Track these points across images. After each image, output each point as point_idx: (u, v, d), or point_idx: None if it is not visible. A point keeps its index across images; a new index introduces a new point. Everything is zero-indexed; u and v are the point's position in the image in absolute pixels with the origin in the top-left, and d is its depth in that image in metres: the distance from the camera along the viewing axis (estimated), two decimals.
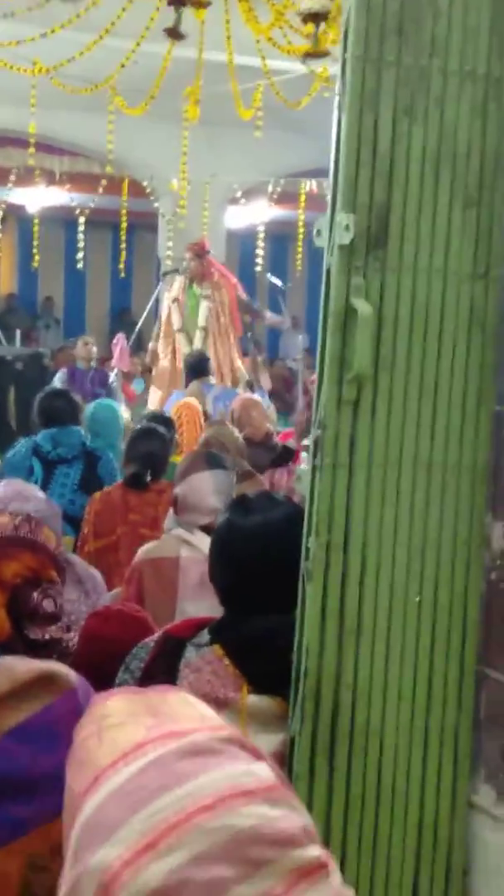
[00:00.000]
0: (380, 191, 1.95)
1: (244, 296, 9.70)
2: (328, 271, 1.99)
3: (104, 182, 12.18)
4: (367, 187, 1.95)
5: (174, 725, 0.94)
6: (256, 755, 0.93)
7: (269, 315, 9.65)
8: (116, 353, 10.04)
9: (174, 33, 6.12)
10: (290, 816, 0.86)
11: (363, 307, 1.92)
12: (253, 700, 2.09)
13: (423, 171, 1.96)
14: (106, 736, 0.95)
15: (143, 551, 3.49)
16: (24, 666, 1.37)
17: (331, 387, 1.98)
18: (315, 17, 5.40)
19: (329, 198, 2.00)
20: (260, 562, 2.19)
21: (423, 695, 2.07)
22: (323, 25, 5.54)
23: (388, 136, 1.94)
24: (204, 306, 9.44)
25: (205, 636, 2.17)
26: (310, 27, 5.98)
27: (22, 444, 5.09)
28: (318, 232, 2.01)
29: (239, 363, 9.62)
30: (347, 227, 1.91)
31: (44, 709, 1.30)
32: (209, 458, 3.55)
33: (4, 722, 1.30)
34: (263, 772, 0.90)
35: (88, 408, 5.85)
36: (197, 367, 8.15)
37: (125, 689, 1.05)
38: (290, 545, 2.16)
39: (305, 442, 7.15)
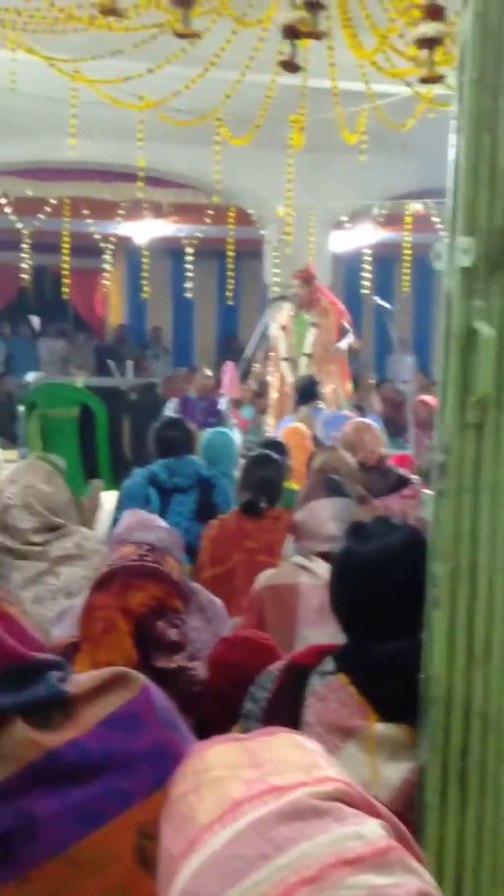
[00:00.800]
0: (499, 213, 1.93)
1: (347, 326, 9.67)
2: (448, 295, 1.97)
3: (211, 212, 12.34)
4: (486, 210, 1.93)
5: (276, 779, 0.88)
6: (370, 809, 0.87)
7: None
8: (226, 380, 10.13)
9: (290, 65, 6.15)
10: (405, 883, 0.79)
11: (486, 330, 1.90)
12: (380, 728, 2.07)
13: None
14: (204, 792, 0.91)
15: (262, 578, 3.49)
16: (99, 672, 1.51)
17: (453, 411, 1.96)
18: (429, 43, 5.37)
19: (448, 221, 1.99)
20: (380, 587, 2.18)
21: None
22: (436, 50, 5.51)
23: None
24: (311, 333, 9.46)
25: (329, 664, 2.16)
26: (414, 50, 5.96)
27: (138, 474, 5.15)
28: (438, 255, 2.00)
29: (342, 389, 9.60)
30: (467, 251, 1.90)
31: (127, 702, 1.44)
32: (329, 484, 3.54)
33: (96, 714, 1.43)
34: (374, 832, 0.83)
35: (204, 436, 5.90)
36: (307, 393, 8.17)
37: (225, 738, 1.02)
38: (410, 570, 2.14)
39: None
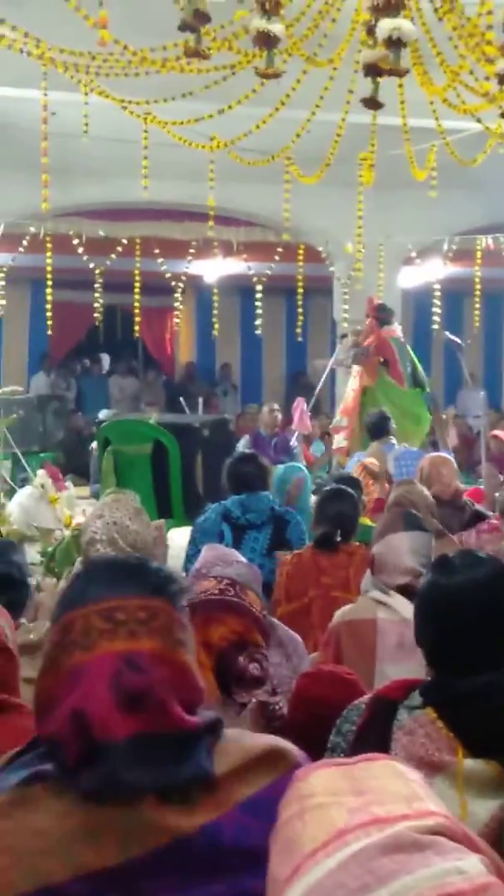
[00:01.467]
0: None
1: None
2: None
3: (280, 250, 12.43)
4: None
5: (379, 809, 0.89)
6: (470, 844, 0.87)
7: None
8: (296, 416, 10.14)
9: (372, 103, 6.18)
10: None
11: None
12: (469, 764, 2.04)
13: None
14: (308, 818, 0.92)
15: (339, 614, 3.47)
16: (254, 741, 1.43)
17: None
18: None
19: None
20: (467, 620, 2.16)
21: None
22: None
23: None
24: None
25: (416, 698, 2.14)
26: (486, 86, 5.96)
27: (212, 510, 5.15)
28: None
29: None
30: None
31: (273, 782, 1.35)
32: (407, 518, 3.52)
33: (237, 794, 1.35)
34: (474, 867, 0.83)
35: (278, 471, 5.90)
36: (377, 428, 8.14)
37: (329, 762, 1.02)
38: (496, 603, 2.14)
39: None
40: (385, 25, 5.06)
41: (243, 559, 3.15)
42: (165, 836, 1.31)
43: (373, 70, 5.82)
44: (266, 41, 4.99)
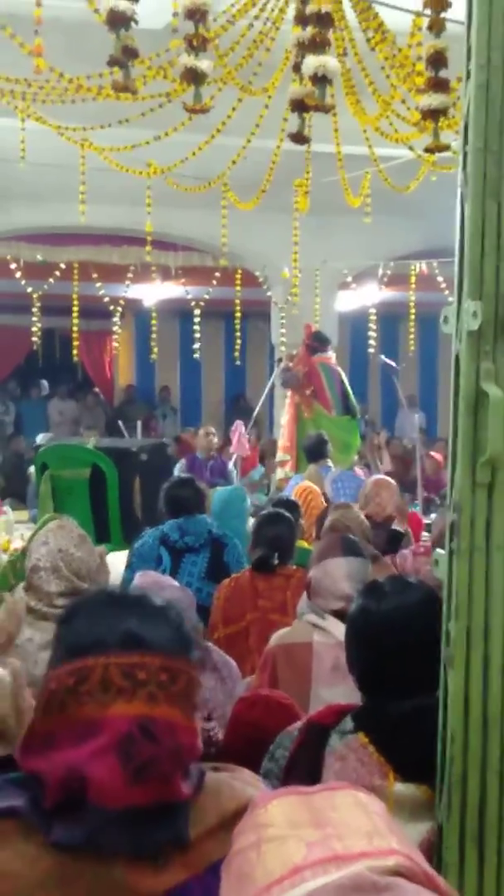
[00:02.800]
0: None
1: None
2: (457, 357, 2.02)
3: (218, 274, 12.50)
4: (493, 274, 1.98)
5: (338, 844, 0.86)
6: (431, 884, 0.85)
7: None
8: (235, 439, 10.17)
9: (298, 137, 6.27)
10: None
11: (494, 391, 1.94)
12: (399, 788, 2.07)
13: None
14: (264, 850, 0.89)
15: (276, 637, 3.50)
16: (231, 796, 1.39)
17: (464, 470, 1.99)
18: (434, 114, 5.49)
19: (455, 285, 2.04)
20: (396, 646, 2.19)
21: None
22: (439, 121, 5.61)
23: None
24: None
25: (348, 723, 2.17)
26: (416, 115, 6.08)
27: (150, 535, 5.16)
28: (446, 319, 2.04)
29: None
30: (475, 314, 1.95)
31: None
32: (346, 543, 3.56)
33: (209, 855, 1.32)
34: None
35: (216, 493, 5.92)
36: (315, 451, 8.20)
37: (289, 791, 0.99)
38: (426, 629, 2.16)
39: (427, 521, 7.13)
40: (311, 62, 5.15)
41: (177, 584, 3.17)
42: None
43: (299, 106, 5.91)
44: (193, 77, 5.05)
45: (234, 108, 6.97)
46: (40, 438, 10.87)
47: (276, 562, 4.47)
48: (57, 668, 1.40)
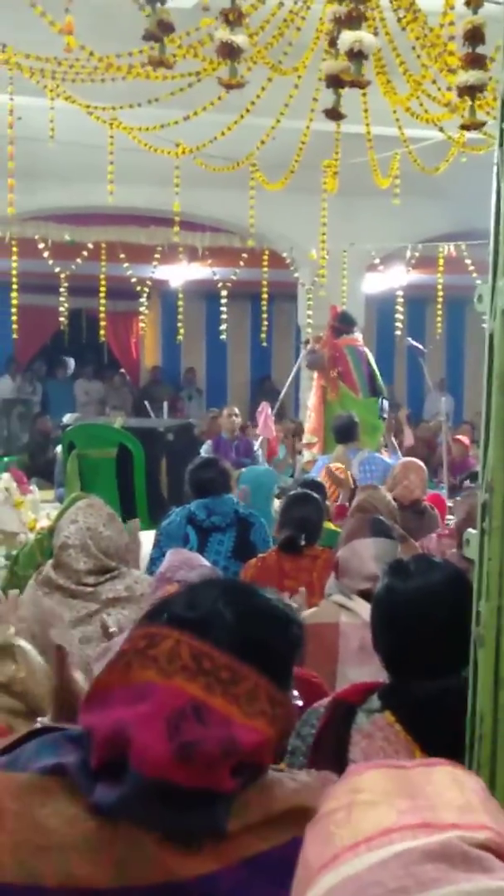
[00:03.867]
0: None
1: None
2: (491, 336, 2.00)
3: (245, 255, 12.48)
4: None
5: (429, 815, 0.86)
6: None
7: None
8: (261, 421, 10.18)
9: (334, 113, 6.23)
10: None
11: None
12: None
13: None
14: (355, 812, 0.89)
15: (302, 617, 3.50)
16: (282, 795, 1.37)
17: (498, 449, 1.98)
18: (471, 90, 5.44)
19: (490, 263, 2.03)
20: (422, 625, 2.19)
21: None
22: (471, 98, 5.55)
23: None
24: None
25: (375, 702, 2.17)
26: (448, 95, 6.04)
27: (177, 513, 5.18)
28: (480, 297, 2.03)
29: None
30: None
31: (288, 842, 1.29)
32: (374, 524, 3.55)
33: (246, 849, 1.31)
34: None
35: (247, 471, 5.93)
36: (345, 432, 8.18)
37: (385, 762, 0.99)
38: (451, 607, 2.16)
39: (450, 504, 7.11)
40: (347, 38, 5.11)
41: (207, 563, 3.18)
42: (161, 876, 1.29)
43: (335, 81, 5.87)
44: (229, 52, 5.03)
45: (263, 88, 6.94)
46: (67, 418, 10.90)
47: (303, 542, 4.48)
48: (134, 630, 1.43)
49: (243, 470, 6.64)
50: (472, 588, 2.09)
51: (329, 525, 5.17)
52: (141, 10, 5.61)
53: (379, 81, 6.53)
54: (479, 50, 5.58)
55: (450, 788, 0.91)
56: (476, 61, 5.45)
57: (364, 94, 6.81)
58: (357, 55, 5.09)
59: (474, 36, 5.49)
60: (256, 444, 10.08)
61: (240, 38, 4.96)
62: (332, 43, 5.66)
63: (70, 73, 6.83)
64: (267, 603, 1.53)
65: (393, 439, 10.30)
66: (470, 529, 2.08)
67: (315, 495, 4.79)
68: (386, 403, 9.76)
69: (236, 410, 10.46)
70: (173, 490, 7.24)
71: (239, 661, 1.38)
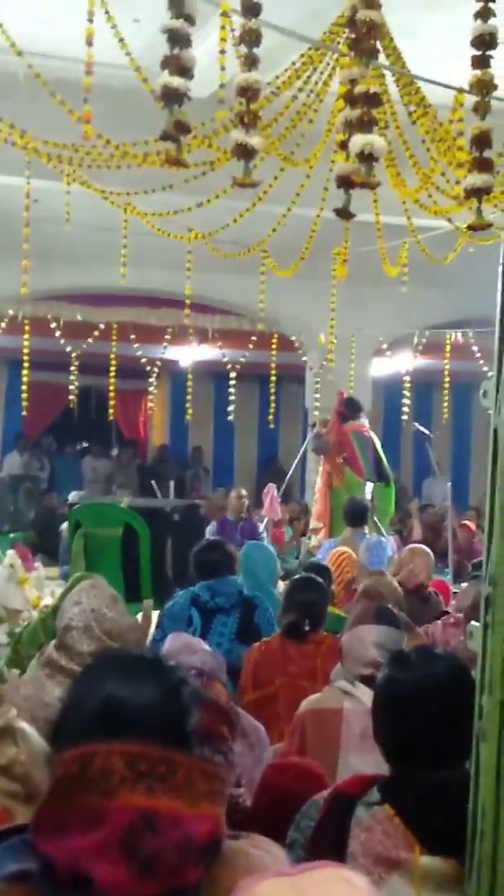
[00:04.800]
0: None
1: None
2: (496, 431, 2.03)
3: (254, 338, 12.62)
4: None
5: None
6: None
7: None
8: (267, 502, 10.19)
9: (344, 213, 6.35)
10: None
11: None
12: (426, 861, 2.05)
13: None
14: None
15: (306, 702, 3.49)
16: (245, 864, 1.36)
17: (500, 544, 2.00)
18: (478, 192, 5.55)
19: (495, 357, 2.06)
20: (421, 717, 2.18)
21: None
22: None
23: None
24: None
25: (375, 794, 2.15)
26: (456, 189, 6.16)
27: (180, 595, 5.19)
28: (485, 392, 2.07)
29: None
30: None
31: None
32: (379, 612, 3.55)
33: None
34: None
35: (244, 548, 5.96)
36: (356, 516, 8.19)
37: (274, 872, 1.01)
38: (453, 699, 2.16)
39: (454, 590, 7.09)
40: (357, 141, 5.22)
41: (208, 647, 3.18)
42: None
43: (345, 182, 6.00)
44: (244, 153, 5.13)
45: (275, 178, 7.09)
46: (73, 496, 10.95)
47: (307, 628, 4.46)
48: (62, 753, 1.39)
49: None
50: (473, 681, 2.09)
51: (334, 610, 5.16)
52: (157, 102, 5.76)
53: (389, 174, 6.66)
54: (487, 153, 5.71)
55: (339, 889, 0.94)
56: (483, 165, 5.57)
57: None
58: (367, 158, 5.19)
59: (482, 141, 5.61)
60: (261, 526, 10.08)
61: (254, 140, 5.07)
62: (343, 145, 5.79)
63: (86, 159, 6.98)
64: (161, 673, 1.47)
65: (413, 526, 10.30)
66: (473, 622, 2.09)
67: (319, 580, 4.78)
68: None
69: (244, 492, 10.47)
70: (178, 570, 7.24)
71: (163, 747, 1.35)
